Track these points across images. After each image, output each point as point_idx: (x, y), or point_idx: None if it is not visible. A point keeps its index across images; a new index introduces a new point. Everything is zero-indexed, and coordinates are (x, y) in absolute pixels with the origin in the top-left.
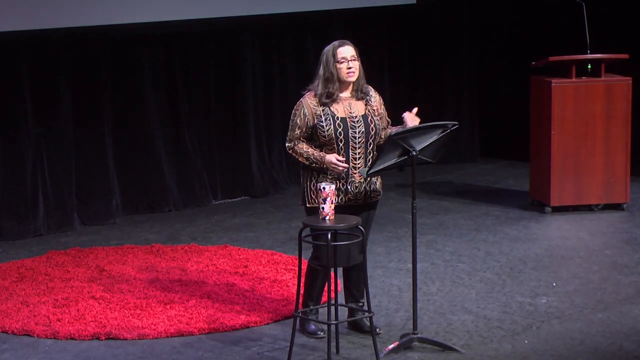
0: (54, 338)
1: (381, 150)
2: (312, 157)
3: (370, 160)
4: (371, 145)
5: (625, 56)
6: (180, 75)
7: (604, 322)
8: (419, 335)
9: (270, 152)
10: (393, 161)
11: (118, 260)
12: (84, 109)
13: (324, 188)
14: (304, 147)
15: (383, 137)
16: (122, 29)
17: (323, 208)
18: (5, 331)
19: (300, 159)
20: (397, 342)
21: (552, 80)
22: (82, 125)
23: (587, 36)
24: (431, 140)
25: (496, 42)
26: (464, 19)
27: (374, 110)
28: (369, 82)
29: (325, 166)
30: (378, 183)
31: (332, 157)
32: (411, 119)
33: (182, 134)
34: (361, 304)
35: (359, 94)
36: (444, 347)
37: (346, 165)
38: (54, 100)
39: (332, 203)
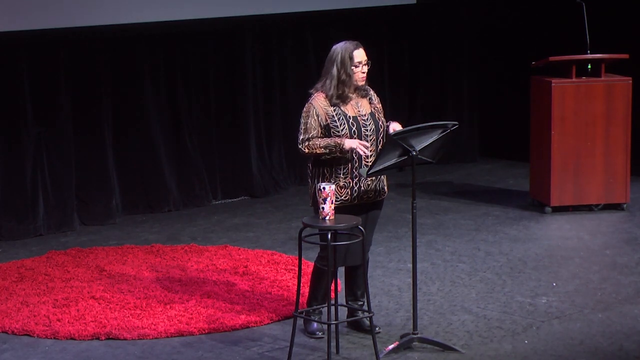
0: (54, 338)
1: (381, 150)
2: (330, 144)
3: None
4: (381, 143)
5: (625, 56)
6: (180, 75)
7: (604, 322)
8: (419, 335)
9: (270, 152)
10: (393, 161)
11: (118, 260)
12: (84, 109)
13: (323, 188)
14: (318, 140)
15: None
16: (122, 29)
17: (323, 208)
18: (5, 331)
19: (318, 152)
20: (397, 342)
21: (552, 80)
22: (82, 125)
23: (587, 36)
24: (431, 140)
25: (496, 42)
26: (464, 19)
27: (377, 108)
28: (370, 83)
29: (345, 151)
30: (385, 183)
31: (353, 141)
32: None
33: (182, 134)
34: (361, 302)
35: (362, 92)
36: (444, 347)
37: (367, 144)
38: (54, 100)
39: (332, 203)
